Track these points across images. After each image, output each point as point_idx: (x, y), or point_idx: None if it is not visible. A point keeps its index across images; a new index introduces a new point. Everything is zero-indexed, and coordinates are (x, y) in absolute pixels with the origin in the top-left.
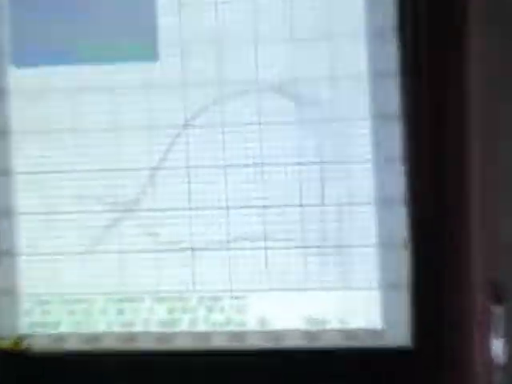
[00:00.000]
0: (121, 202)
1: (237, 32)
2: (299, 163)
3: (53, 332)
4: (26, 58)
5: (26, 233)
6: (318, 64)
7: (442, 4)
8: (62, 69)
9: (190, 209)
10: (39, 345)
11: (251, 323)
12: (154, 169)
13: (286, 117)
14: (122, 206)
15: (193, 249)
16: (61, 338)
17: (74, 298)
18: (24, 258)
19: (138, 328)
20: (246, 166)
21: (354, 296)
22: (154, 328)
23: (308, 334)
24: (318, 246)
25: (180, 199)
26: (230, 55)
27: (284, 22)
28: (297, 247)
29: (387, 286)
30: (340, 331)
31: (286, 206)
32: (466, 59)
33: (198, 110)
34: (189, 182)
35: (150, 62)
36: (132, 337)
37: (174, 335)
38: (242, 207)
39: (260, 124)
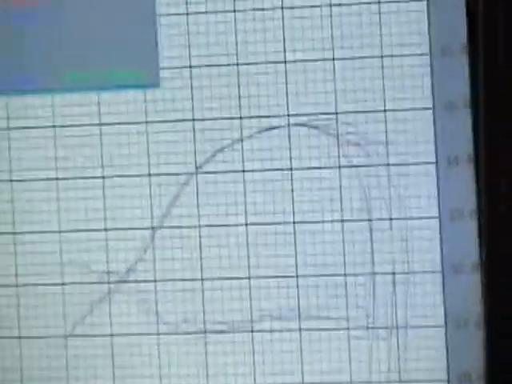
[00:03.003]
0: (112, 271)
1: (261, 52)
2: (342, 220)
3: None
4: None
5: None
6: (367, 93)
7: None
8: (36, 99)
9: (202, 279)
10: None
11: None
12: (155, 228)
13: (326, 160)
14: (114, 276)
15: (205, 331)
16: None
17: None
18: None
19: None
20: (276, 224)
21: None
22: None
23: None
24: (367, 327)
25: (188, 267)
26: (252, 81)
27: (322, 39)
28: (339, 328)
29: (457, 378)
30: None
31: (325, 275)
32: None
33: (210, 152)
34: (200, 246)
35: (148, 88)
36: None
37: None
38: (269, 277)
39: (291, 170)
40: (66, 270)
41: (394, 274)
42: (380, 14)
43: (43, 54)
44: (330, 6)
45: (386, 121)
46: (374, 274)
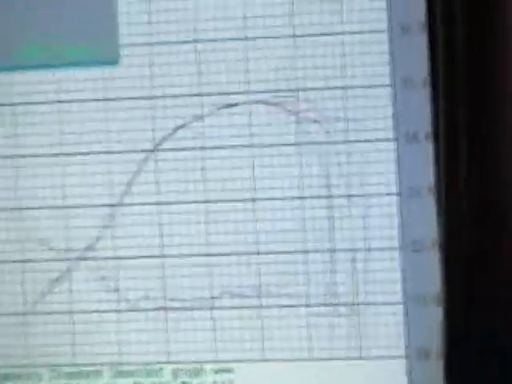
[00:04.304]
0: (72, 249)
1: (222, 29)
2: (302, 197)
3: None
4: None
5: None
6: (326, 70)
7: None
8: None
9: (162, 256)
10: None
11: None
12: (114, 206)
13: (285, 137)
14: (74, 254)
15: (166, 308)
16: None
17: (9, 372)
18: None
19: None
20: (234, 201)
21: (372, 368)
22: None
23: None
24: (327, 304)
25: (148, 244)
26: (212, 58)
27: (283, 17)
28: (299, 305)
29: (416, 354)
30: None
31: (285, 252)
32: None
33: (170, 129)
34: (160, 223)
35: (108, 66)
36: None
37: None
38: (229, 254)
39: (251, 147)
40: (25, 247)
41: (353, 250)
42: None
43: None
44: None
45: (345, 98)
46: (333, 251)
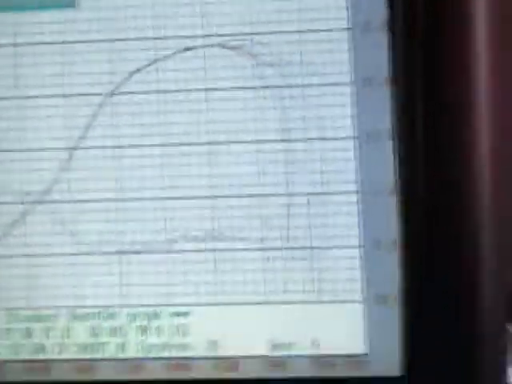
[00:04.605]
0: (28, 192)
1: None
2: (258, 141)
3: None
4: None
5: None
6: (283, 14)
7: None
8: None
9: (118, 200)
10: None
11: (198, 348)
12: (71, 149)
13: (243, 81)
14: (31, 197)
15: (121, 252)
16: None
17: None
18: None
19: (51, 354)
20: (191, 144)
21: (329, 312)
22: (72, 354)
23: (271, 361)
24: (283, 248)
25: (105, 188)
26: (169, 1)
27: None
28: (255, 249)
29: (373, 299)
30: (312, 357)
31: (241, 196)
32: None
33: (127, 73)
34: (116, 167)
35: (65, 8)
36: (44, 365)
37: (97, 364)
38: (184, 198)
39: (208, 90)
40: None
41: (310, 194)
42: None
43: None
44: None
45: (301, 41)
46: (290, 195)
